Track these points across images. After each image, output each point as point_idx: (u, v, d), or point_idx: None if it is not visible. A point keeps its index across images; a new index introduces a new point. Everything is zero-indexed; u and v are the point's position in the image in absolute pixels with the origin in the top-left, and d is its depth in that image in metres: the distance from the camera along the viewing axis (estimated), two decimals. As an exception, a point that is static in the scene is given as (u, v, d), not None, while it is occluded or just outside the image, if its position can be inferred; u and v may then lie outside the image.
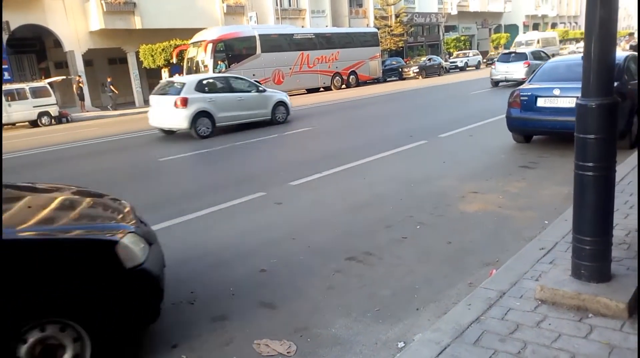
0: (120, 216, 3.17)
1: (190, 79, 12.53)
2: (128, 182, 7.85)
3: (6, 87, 19.65)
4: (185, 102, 11.51)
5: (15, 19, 23.36)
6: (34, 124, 19.88)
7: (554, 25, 63.61)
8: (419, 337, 2.73)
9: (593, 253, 2.78)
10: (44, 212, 3.00)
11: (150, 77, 30.27)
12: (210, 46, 23.41)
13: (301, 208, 5.56)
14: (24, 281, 2.40)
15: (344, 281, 3.65)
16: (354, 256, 4.04)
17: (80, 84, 25.05)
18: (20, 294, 2.39)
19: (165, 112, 12.03)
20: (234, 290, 3.63)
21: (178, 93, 11.70)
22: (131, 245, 2.73)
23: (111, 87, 25.25)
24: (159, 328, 3.14)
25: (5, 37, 23.07)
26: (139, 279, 2.73)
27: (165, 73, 26.85)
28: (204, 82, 12.43)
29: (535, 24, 62.35)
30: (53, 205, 3.16)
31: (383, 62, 35.19)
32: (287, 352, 2.80)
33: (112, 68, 29.78)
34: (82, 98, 25.20)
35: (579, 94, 2.73)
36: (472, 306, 2.87)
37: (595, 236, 2.76)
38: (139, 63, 27.88)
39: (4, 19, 22.96)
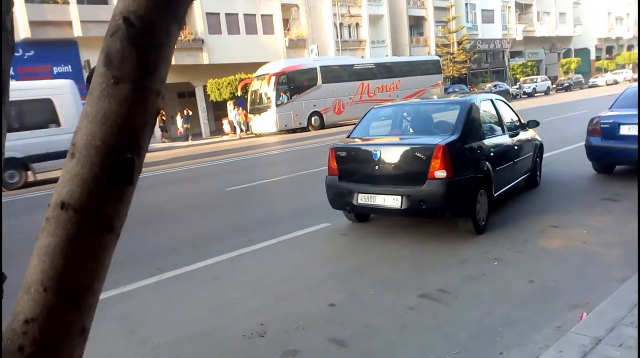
0: None
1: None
2: (195, 212, 8.06)
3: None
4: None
5: (95, 58, 25.21)
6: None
7: (630, 48, 60.50)
8: (505, 386, 2.52)
9: None
10: None
11: (217, 110, 31.59)
12: (273, 79, 24.17)
13: (368, 239, 5.44)
14: None
15: (417, 319, 3.48)
16: (428, 294, 3.86)
17: (163, 117, 26.80)
18: None
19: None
20: (304, 323, 3.55)
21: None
22: None
23: (183, 121, 26.57)
24: (230, 362, 3.11)
25: (85, 74, 24.98)
26: None
27: (230, 105, 27.93)
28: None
29: (609, 47, 59.65)
30: None
31: (445, 89, 34.80)
32: (362, 395, 2.67)
33: (182, 101, 31.36)
34: (164, 129, 27.08)
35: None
36: (565, 354, 2.62)
37: None
38: (206, 96, 29.19)
39: (85, 58, 24.92)
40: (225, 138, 27.05)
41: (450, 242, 5.01)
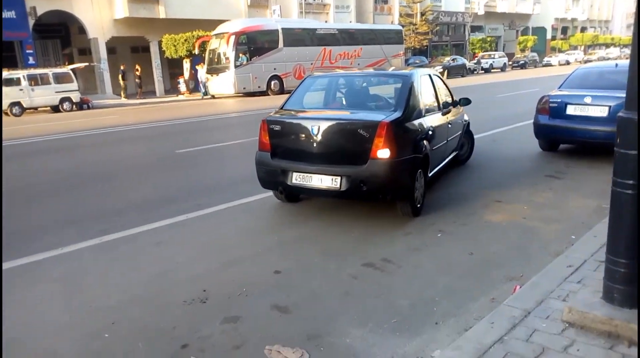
0: None
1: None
2: (143, 173, 7.82)
3: (30, 71, 19.91)
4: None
5: (42, 5, 23.66)
6: (55, 109, 20.12)
7: (583, 29, 62.33)
8: (437, 354, 2.60)
9: (628, 276, 2.62)
10: None
11: (172, 67, 30.47)
12: (232, 38, 23.42)
13: (317, 209, 5.44)
14: None
15: (360, 288, 3.53)
16: (372, 263, 3.92)
17: (138, 73, 25.72)
18: None
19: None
20: (247, 290, 3.54)
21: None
22: None
23: (119, 76, 25.30)
24: (170, 326, 3.07)
25: (31, 22, 23.39)
26: None
27: (187, 63, 26.96)
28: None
29: (564, 28, 61.20)
30: None
31: (406, 60, 34.88)
32: (300, 362, 2.70)
33: (135, 57, 30.01)
34: (140, 86, 25.93)
35: (611, 103, 2.60)
36: (495, 325, 2.73)
37: (631, 258, 2.59)
38: (161, 53, 28.04)
39: (31, 4, 23.27)
40: (180, 97, 26.21)
41: (397, 214, 5.07)
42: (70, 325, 3.18)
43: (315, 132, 4.69)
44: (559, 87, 7.60)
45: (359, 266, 3.88)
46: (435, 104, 5.80)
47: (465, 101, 6.52)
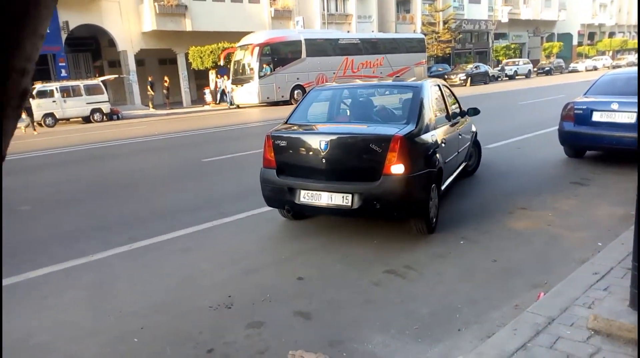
0: None
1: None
2: (170, 181, 7.99)
3: (62, 83, 20.59)
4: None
5: (73, 19, 24.48)
6: (86, 120, 20.72)
7: (611, 35, 61.02)
8: (460, 361, 2.61)
9: (655, 284, 2.58)
10: None
11: (198, 79, 31.07)
12: (257, 49, 23.77)
13: (336, 217, 5.46)
14: None
15: (382, 295, 3.55)
16: (393, 270, 3.94)
17: (166, 84, 26.53)
18: None
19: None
20: (271, 296, 3.60)
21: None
22: None
23: (148, 87, 25.80)
24: (196, 331, 3.15)
25: (64, 36, 24.20)
26: None
27: (212, 75, 27.45)
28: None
29: (591, 33, 60.04)
30: None
31: (429, 68, 34.75)
32: (322, 366, 2.73)
33: (162, 68, 30.71)
34: (167, 97, 26.81)
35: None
36: (518, 332, 2.72)
37: (658, 266, 2.56)
38: (188, 64, 28.62)
39: (63, 19, 24.10)
40: (206, 107, 26.67)
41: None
42: (99, 330, 3.28)
43: (324, 147, 4.43)
44: (585, 94, 7.49)
45: (381, 273, 3.90)
46: (445, 114, 5.62)
47: (474, 111, 6.30)
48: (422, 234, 4.65)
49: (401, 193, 4.28)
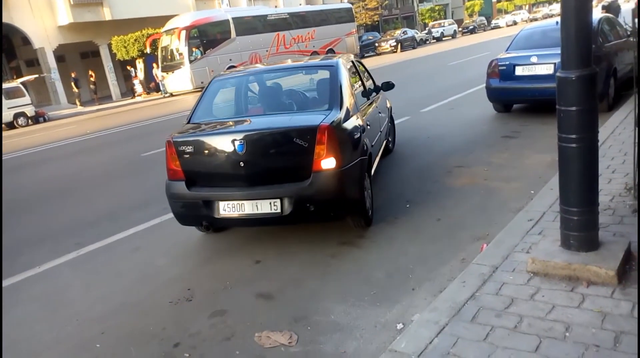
0: None
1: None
2: (111, 180, 7.75)
3: (-24, 90, 19.15)
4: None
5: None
6: (10, 126, 19.46)
7: (527, -11, 63.32)
8: (417, 318, 2.77)
9: (581, 223, 2.83)
10: None
11: (125, 69, 29.73)
12: (183, 33, 23.00)
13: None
14: None
15: (339, 266, 3.68)
16: (348, 241, 4.07)
17: (92, 79, 25.23)
18: None
19: None
20: (230, 283, 3.64)
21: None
22: None
23: (72, 84, 24.56)
24: (159, 327, 3.15)
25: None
26: None
27: (140, 64, 26.36)
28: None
29: (509, -12, 62.01)
30: None
31: (360, 38, 34.92)
32: (289, 342, 2.83)
33: (86, 62, 29.14)
34: (95, 92, 25.48)
35: (556, 60, 2.76)
36: (467, 283, 2.92)
37: (582, 207, 2.81)
38: (113, 55, 27.30)
39: None
40: (138, 99, 25.67)
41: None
42: (58, 340, 3.21)
43: (239, 148, 3.76)
44: (507, 50, 7.86)
45: (336, 246, 4.02)
46: (362, 92, 5.25)
47: (387, 86, 5.93)
48: (361, 228, 4.24)
49: (336, 190, 3.78)
